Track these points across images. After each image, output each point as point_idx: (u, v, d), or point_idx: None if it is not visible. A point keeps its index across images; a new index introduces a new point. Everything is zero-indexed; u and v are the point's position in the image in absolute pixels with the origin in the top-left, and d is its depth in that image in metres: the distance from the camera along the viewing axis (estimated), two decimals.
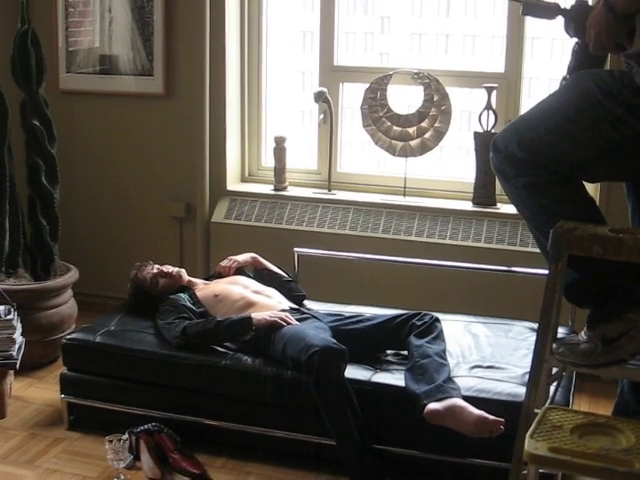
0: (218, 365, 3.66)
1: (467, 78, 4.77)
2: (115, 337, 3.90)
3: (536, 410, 2.44)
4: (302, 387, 3.45)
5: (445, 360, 3.51)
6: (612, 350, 2.46)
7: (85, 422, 3.93)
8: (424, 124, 4.71)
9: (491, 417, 3.18)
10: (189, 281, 4.17)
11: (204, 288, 4.10)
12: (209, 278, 4.31)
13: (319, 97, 4.81)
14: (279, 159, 4.98)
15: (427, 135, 4.72)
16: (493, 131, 4.54)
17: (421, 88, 4.70)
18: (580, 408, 3.95)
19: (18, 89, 4.56)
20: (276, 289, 4.10)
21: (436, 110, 4.68)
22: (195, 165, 5.01)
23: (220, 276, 4.23)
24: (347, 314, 3.94)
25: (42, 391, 4.29)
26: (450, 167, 5.03)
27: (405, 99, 4.84)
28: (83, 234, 5.33)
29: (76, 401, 3.92)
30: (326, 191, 4.95)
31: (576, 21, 2.58)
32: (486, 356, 3.75)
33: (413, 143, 4.73)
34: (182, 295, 4.03)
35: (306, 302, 4.17)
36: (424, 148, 4.73)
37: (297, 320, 3.75)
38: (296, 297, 4.13)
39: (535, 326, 2.54)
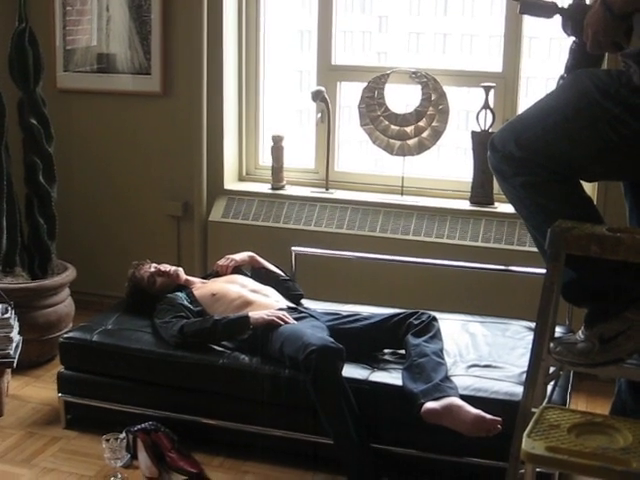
0: (215, 364, 3.66)
1: (465, 77, 4.77)
2: (112, 336, 3.90)
3: (533, 409, 2.44)
4: (299, 386, 3.45)
5: (442, 359, 3.51)
6: (610, 349, 2.46)
7: (82, 421, 3.93)
8: (422, 123, 4.71)
9: (488, 416, 3.18)
10: (186, 280, 4.17)
11: (201, 287, 4.10)
12: (206, 277, 4.31)
13: (317, 96, 4.81)
14: (277, 158, 4.98)
15: (425, 134, 4.72)
16: (491, 130, 4.54)
17: (419, 87, 4.70)
18: (577, 407, 3.95)
19: (15, 88, 4.55)
20: (273, 288, 4.10)
21: (434, 109, 4.68)
22: (192, 164, 5.01)
23: (217, 275, 4.23)
24: (344, 313, 3.94)
25: (39, 390, 4.29)
26: (448, 166, 5.03)
27: (403, 98, 4.84)
28: (80, 233, 5.32)
29: (73, 400, 3.92)
30: (324, 190, 4.94)
31: (573, 20, 2.59)
32: (483, 355, 3.75)
33: (411, 142, 4.73)
34: (179, 294, 4.03)
35: (303, 301, 4.17)
36: (422, 147, 4.73)
37: (294, 319, 3.75)
38: (293, 296, 4.13)
39: (532, 325, 2.54)
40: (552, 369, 2.63)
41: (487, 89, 4.56)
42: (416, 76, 4.69)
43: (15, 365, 4.00)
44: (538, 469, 2.41)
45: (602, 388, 4.09)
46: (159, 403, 3.77)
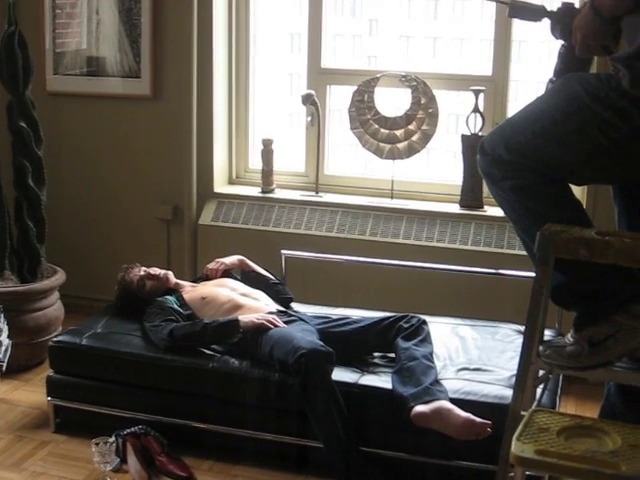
0: (205, 367, 3.65)
1: (455, 81, 4.78)
2: (102, 340, 3.89)
3: (523, 412, 2.45)
4: (289, 389, 3.45)
5: (432, 363, 3.51)
6: (599, 352, 2.46)
7: (71, 425, 3.92)
8: (411, 127, 4.72)
9: (478, 419, 3.18)
10: (176, 283, 4.16)
11: (191, 290, 4.09)
12: (196, 280, 4.30)
13: (307, 100, 4.81)
14: (267, 161, 4.98)
15: (414, 138, 4.72)
16: (480, 134, 4.55)
17: (408, 91, 4.70)
18: (567, 410, 3.95)
19: (5, 91, 4.55)
20: (263, 291, 4.10)
21: (423, 113, 4.69)
22: (182, 167, 5.01)
23: (207, 278, 4.23)
24: (334, 316, 3.94)
25: (28, 394, 4.28)
26: (437, 170, 5.03)
27: (393, 102, 4.85)
28: (70, 236, 5.31)
29: (62, 404, 3.91)
30: (313, 193, 4.95)
31: (562, 23, 2.60)
32: (473, 358, 3.75)
33: (400, 146, 4.74)
34: (169, 297, 4.02)
35: (293, 304, 4.17)
36: (411, 151, 4.74)
37: (284, 322, 3.75)
38: (283, 299, 4.13)
39: (522, 328, 2.54)
40: (541, 372, 2.64)
41: (477, 93, 4.57)
42: (406, 80, 4.70)
43: (4, 369, 3.98)
44: (527, 472, 2.41)
45: (591, 391, 4.09)
46: (148, 407, 3.76)
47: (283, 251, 4.42)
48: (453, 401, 3.29)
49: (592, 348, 2.46)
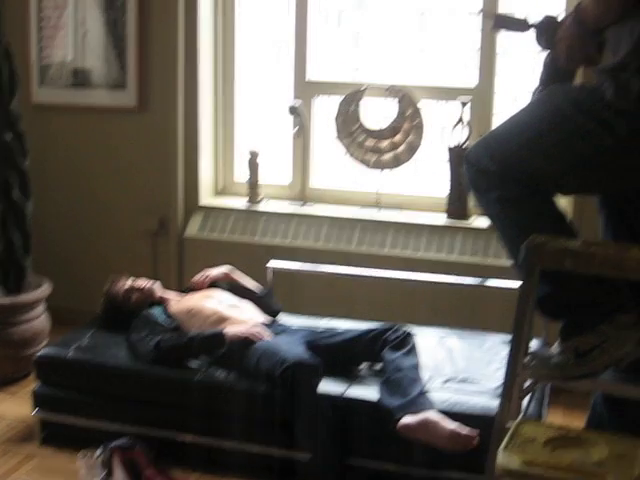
0: (191, 380, 3.64)
1: (440, 92, 4.80)
2: (88, 352, 3.88)
3: (509, 423, 2.44)
4: (276, 402, 3.44)
5: (419, 374, 3.51)
6: (585, 363, 2.46)
7: (58, 438, 3.89)
8: (397, 138, 4.73)
9: (465, 431, 3.18)
10: (162, 296, 4.15)
11: (178, 303, 4.08)
12: (183, 292, 4.29)
13: (293, 111, 4.82)
14: (253, 173, 4.98)
15: (400, 149, 4.73)
16: (466, 145, 4.56)
17: (394, 102, 4.71)
18: (554, 420, 3.96)
19: None
20: (250, 303, 4.10)
21: (409, 124, 4.70)
22: (168, 179, 5.00)
23: (194, 290, 4.22)
24: (321, 328, 3.94)
25: (14, 407, 4.26)
26: (424, 180, 5.04)
27: (378, 113, 4.85)
28: (57, 248, 5.30)
29: (48, 417, 3.89)
30: (300, 205, 4.95)
31: (547, 34, 2.61)
32: (460, 369, 3.76)
33: (386, 157, 4.75)
34: (155, 310, 4.01)
35: (280, 316, 4.16)
36: (397, 162, 4.75)
37: (270, 334, 3.74)
38: (270, 311, 4.12)
39: (509, 339, 2.55)
40: (527, 383, 2.64)
41: (462, 104, 4.58)
42: (391, 91, 4.71)
43: None
44: None
45: (579, 401, 4.07)
46: (135, 419, 3.75)
47: (270, 263, 4.42)
48: (440, 412, 3.29)
49: (578, 358, 2.47)
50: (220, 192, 5.24)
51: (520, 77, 4.74)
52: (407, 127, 4.70)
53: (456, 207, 4.64)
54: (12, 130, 4.54)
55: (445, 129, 4.80)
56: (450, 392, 3.51)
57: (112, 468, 3.55)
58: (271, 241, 4.81)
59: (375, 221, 4.74)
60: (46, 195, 5.15)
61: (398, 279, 4.35)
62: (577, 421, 3.79)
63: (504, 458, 2.21)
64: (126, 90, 5.03)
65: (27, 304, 4.52)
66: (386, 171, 4.79)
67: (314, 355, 3.47)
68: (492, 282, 4.20)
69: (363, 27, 5.09)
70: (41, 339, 4.60)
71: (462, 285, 4.28)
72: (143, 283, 4.14)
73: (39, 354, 3.95)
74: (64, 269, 5.23)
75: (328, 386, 3.49)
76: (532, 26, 2.65)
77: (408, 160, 4.75)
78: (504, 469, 2.20)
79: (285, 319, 4.13)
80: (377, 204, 4.83)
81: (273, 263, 4.41)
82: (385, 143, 4.73)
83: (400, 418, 3.27)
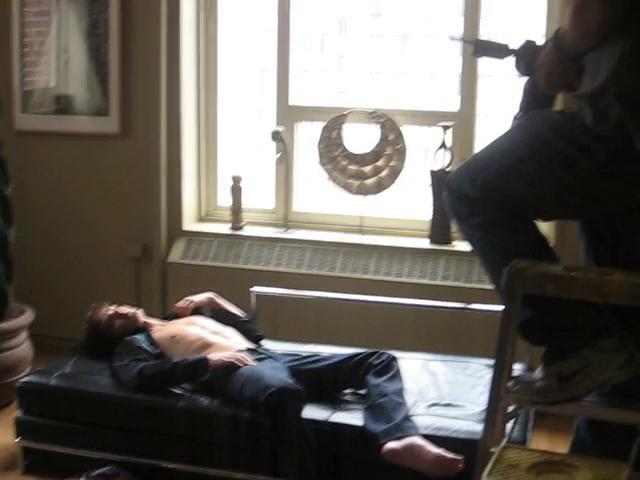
0: (175, 407, 3.63)
1: (422, 117, 4.82)
2: (71, 380, 3.86)
3: (493, 448, 2.44)
4: (260, 428, 3.43)
5: (403, 399, 3.50)
6: (567, 387, 2.47)
7: (41, 466, 3.87)
8: (380, 163, 4.74)
9: (449, 455, 3.18)
10: (145, 322, 4.13)
11: (161, 329, 4.07)
12: (166, 319, 4.27)
13: (275, 136, 4.83)
14: (236, 198, 4.98)
15: (383, 174, 4.74)
16: (449, 169, 4.57)
17: (377, 127, 4.73)
18: (539, 444, 3.96)
19: None
20: (234, 329, 4.09)
21: (391, 149, 4.72)
22: (151, 205, 5.00)
23: (177, 317, 4.20)
24: (305, 354, 3.93)
25: None
26: (406, 205, 5.05)
27: (361, 138, 4.87)
28: (40, 275, 5.28)
29: (31, 445, 3.86)
30: (283, 230, 4.95)
31: (526, 60, 2.63)
32: (444, 394, 3.75)
33: (369, 182, 4.76)
34: (138, 336, 4.00)
35: (264, 342, 4.15)
36: (380, 187, 4.76)
37: (254, 360, 3.73)
38: (254, 337, 4.11)
39: (492, 363, 2.56)
40: (511, 408, 2.64)
41: (444, 128, 4.60)
42: (374, 116, 4.73)
43: None
44: None
45: (564, 425, 4.06)
46: (118, 447, 3.73)
47: (253, 288, 4.41)
48: (424, 437, 3.28)
49: (561, 383, 2.47)
50: (203, 218, 5.24)
51: (503, 101, 4.77)
52: (389, 152, 4.72)
53: (439, 231, 4.65)
54: None
55: (428, 153, 4.81)
56: (434, 417, 3.50)
57: None
58: (254, 266, 4.81)
59: (358, 246, 4.75)
60: (29, 222, 5.13)
61: (382, 304, 4.35)
62: (562, 444, 3.78)
63: None
64: (109, 116, 5.03)
65: (9, 331, 4.50)
66: (369, 196, 4.79)
67: (298, 381, 3.46)
68: (475, 306, 4.20)
69: (347, 51, 5.12)
70: (24, 367, 4.58)
71: (445, 309, 4.28)
72: (126, 310, 4.13)
73: (22, 381, 3.92)
74: (47, 296, 5.21)
75: (312, 412, 3.48)
76: (511, 53, 2.67)
77: (391, 185, 4.76)
78: None
79: (269, 345, 4.12)
80: (360, 229, 4.84)
81: (256, 288, 4.40)
82: (368, 168, 4.75)
83: (385, 443, 3.27)
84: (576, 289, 2.32)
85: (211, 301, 4.25)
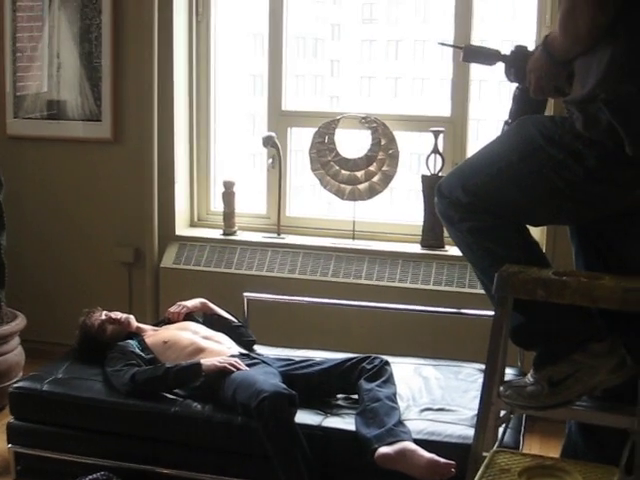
0: (167, 412, 3.62)
1: (414, 122, 4.82)
2: (63, 385, 3.85)
3: (485, 453, 2.45)
4: (252, 433, 3.43)
5: (395, 403, 3.50)
6: (559, 392, 2.48)
7: (33, 472, 3.86)
8: (372, 168, 4.75)
9: (442, 460, 3.17)
10: (138, 327, 4.13)
11: (153, 334, 4.07)
12: (158, 324, 4.27)
13: (267, 142, 4.83)
14: (228, 203, 4.98)
15: (375, 179, 4.75)
16: (440, 174, 4.58)
17: (369, 132, 4.74)
18: (531, 449, 3.96)
19: None
20: (226, 334, 4.08)
21: (384, 154, 4.72)
22: (144, 210, 5.00)
23: (169, 322, 4.20)
24: (297, 358, 3.92)
25: None
26: (399, 210, 5.06)
27: (353, 143, 4.88)
28: (32, 280, 5.27)
29: (24, 450, 3.85)
30: (275, 235, 4.95)
31: (516, 66, 2.63)
32: (436, 399, 3.75)
33: (361, 187, 4.77)
34: (131, 342, 3.99)
35: (256, 347, 4.15)
36: (372, 192, 4.77)
37: (247, 365, 3.73)
38: (246, 342, 4.11)
39: (484, 367, 2.57)
40: (503, 412, 2.64)
41: (436, 133, 4.61)
42: (366, 121, 4.73)
43: None
44: None
45: (556, 429, 4.09)
46: (111, 452, 3.72)
47: (245, 293, 4.41)
48: (417, 442, 3.28)
49: (552, 388, 2.48)
50: (196, 223, 5.24)
51: (495, 106, 4.78)
52: (382, 157, 4.72)
53: (430, 236, 4.66)
54: None
55: (420, 158, 4.82)
56: (427, 421, 3.50)
57: None
58: (247, 271, 4.81)
59: (350, 251, 4.76)
60: (20, 227, 5.13)
61: (373, 309, 4.36)
62: (554, 448, 3.79)
63: None
64: (101, 121, 5.03)
65: (1, 337, 4.49)
66: (361, 201, 4.80)
67: (290, 386, 3.46)
68: (467, 311, 4.21)
69: (339, 56, 5.13)
70: (15, 372, 4.57)
71: (437, 314, 4.29)
72: (119, 315, 4.13)
73: (14, 387, 3.91)
74: (39, 301, 5.21)
75: (304, 417, 3.48)
76: (501, 59, 2.67)
77: (383, 190, 4.77)
78: None
79: (261, 350, 4.12)
80: (352, 234, 4.84)
81: (249, 294, 4.40)
82: (360, 173, 4.75)
83: (377, 448, 3.26)
84: (567, 294, 2.33)
85: (204, 306, 4.25)
